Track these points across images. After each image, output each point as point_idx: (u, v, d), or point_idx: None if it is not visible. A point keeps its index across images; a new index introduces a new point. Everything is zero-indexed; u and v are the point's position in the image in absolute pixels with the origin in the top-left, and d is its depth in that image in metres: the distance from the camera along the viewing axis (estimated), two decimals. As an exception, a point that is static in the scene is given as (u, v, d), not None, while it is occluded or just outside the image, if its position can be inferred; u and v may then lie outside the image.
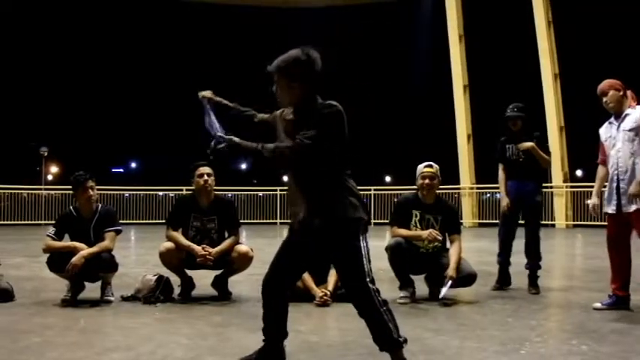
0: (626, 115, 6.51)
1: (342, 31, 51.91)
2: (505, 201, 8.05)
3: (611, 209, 6.61)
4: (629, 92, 6.62)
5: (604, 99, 6.59)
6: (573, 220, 22.02)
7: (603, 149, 6.82)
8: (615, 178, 6.53)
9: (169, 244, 7.18)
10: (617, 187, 6.51)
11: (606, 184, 6.78)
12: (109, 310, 6.67)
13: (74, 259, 6.65)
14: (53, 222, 7.41)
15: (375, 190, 25.60)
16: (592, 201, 7.02)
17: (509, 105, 8.15)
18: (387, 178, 65.60)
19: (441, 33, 26.48)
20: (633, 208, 6.37)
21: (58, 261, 6.79)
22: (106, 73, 60.10)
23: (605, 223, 6.82)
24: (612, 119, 6.69)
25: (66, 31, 54.34)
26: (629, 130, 6.44)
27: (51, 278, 7.49)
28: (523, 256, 7.97)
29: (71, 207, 7.25)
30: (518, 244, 8.02)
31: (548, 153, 8.13)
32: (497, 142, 8.38)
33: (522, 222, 8.12)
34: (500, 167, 8.30)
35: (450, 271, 6.93)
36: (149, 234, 18.49)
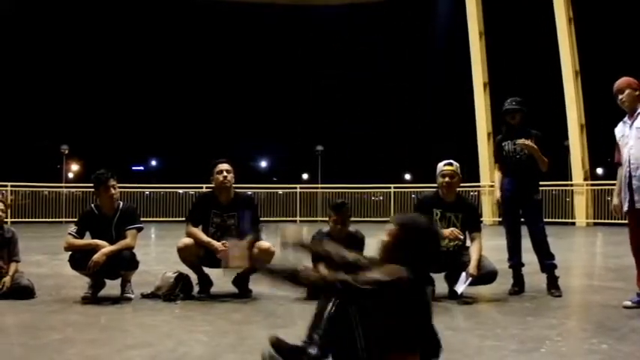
0: (639, 113, 6.51)
1: (360, 29, 51.93)
2: (497, 194, 7.95)
3: (626, 207, 6.60)
4: None
5: (620, 97, 6.57)
6: (594, 219, 21.88)
7: (619, 148, 6.79)
8: (627, 175, 6.51)
9: (188, 240, 7.21)
10: (630, 184, 6.49)
11: None
12: (129, 308, 6.70)
13: (95, 257, 6.69)
14: (74, 220, 7.45)
15: (394, 187, 25.57)
16: (613, 202, 7.00)
17: (507, 99, 8.00)
18: (407, 176, 65.54)
19: (461, 30, 26.39)
20: None
21: (79, 259, 6.83)
22: (128, 71, 60.37)
23: (625, 222, 6.80)
24: (626, 118, 6.68)
25: (87, 28, 54.65)
26: None
27: (71, 275, 7.54)
28: (534, 254, 7.87)
29: (92, 205, 7.29)
30: (526, 241, 7.93)
31: (548, 154, 7.91)
32: (494, 141, 8.30)
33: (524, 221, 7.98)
34: (496, 167, 8.18)
35: (471, 269, 6.92)
36: (169, 232, 18.56)
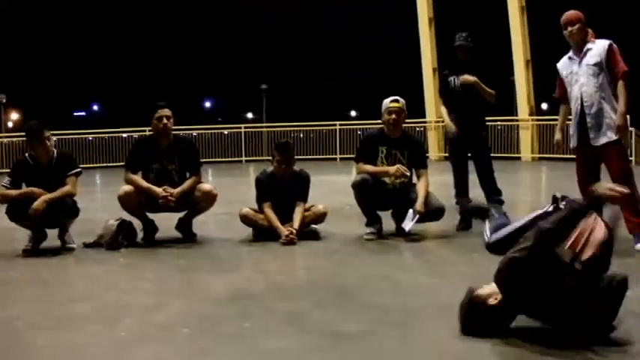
0: (588, 49, 6.37)
1: None
2: (451, 127, 7.82)
3: (574, 143, 6.56)
4: (589, 29, 6.51)
5: (570, 28, 6.41)
6: (539, 153, 22.09)
7: (562, 84, 6.71)
8: (579, 112, 6.42)
9: (128, 188, 7.03)
10: (582, 122, 6.41)
11: (571, 117, 6.71)
12: (72, 259, 6.54)
13: (35, 204, 6.46)
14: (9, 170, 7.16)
15: (340, 125, 25.45)
16: (556, 137, 7.01)
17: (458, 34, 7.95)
18: (353, 113, 65.60)
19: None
20: (604, 140, 6.31)
21: (18, 210, 6.57)
22: (65, 14, 58.98)
23: (570, 156, 6.80)
24: (572, 54, 6.54)
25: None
26: (593, 65, 6.32)
27: (11, 228, 7.16)
28: (481, 190, 7.88)
29: (26, 154, 6.98)
30: (473, 177, 7.91)
31: (493, 87, 7.88)
32: (440, 75, 8.25)
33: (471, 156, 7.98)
34: (441, 102, 8.16)
35: (418, 206, 6.89)
36: (114, 178, 18.21)
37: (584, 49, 6.38)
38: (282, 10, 59.21)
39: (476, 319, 3.74)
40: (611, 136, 6.26)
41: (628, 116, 6.37)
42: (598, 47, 6.34)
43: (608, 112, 6.26)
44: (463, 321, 3.79)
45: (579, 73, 6.40)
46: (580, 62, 6.40)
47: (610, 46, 6.31)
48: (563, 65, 6.65)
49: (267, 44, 64.50)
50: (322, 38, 63.43)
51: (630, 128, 6.57)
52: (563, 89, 6.71)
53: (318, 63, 66.32)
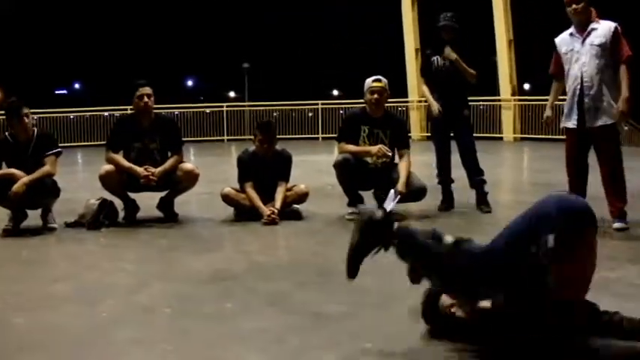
0: (593, 29, 6.27)
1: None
2: (435, 106, 7.73)
3: (571, 124, 6.46)
4: (592, 8, 6.41)
5: (574, 6, 6.23)
6: (521, 133, 22.11)
7: (558, 60, 6.60)
8: (578, 92, 6.33)
9: (109, 167, 7.01)
10: (580, 102, 6.33)
11: (563, 97, 6.65)
12: (53, 239, 6.51)
13: (15, 187, 6.42)
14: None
15: (322, 104, 25.35)
16: (546, 113, 6.95)
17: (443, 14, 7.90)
18: (335, 92, 65.41)
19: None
20: (599, 123, 6.26)
21: (-3, 190, 6.55)
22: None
23: (553, 137, 6.78)
24: (574, 31, 6.42)
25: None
26: (598, 45, 6.22)
27: None
28: (464, 170, 7.87)
29: (6, 133, 6.94)
30: (455, 157, 7.91)
31: (475, 67, 7.84)
32: (422, 55, 8.21)
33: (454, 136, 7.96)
34: (423, 82, 8.14)
35: (400, 186, 6.86)
36: (96, 157, 18.10)
37: (589, 29, 6.28)
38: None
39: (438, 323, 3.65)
40: (606, 120, 6.22)
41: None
42: (603, 28, 6.25)
43: (607, 96, 6.21)
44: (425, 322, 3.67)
45: (581, 52, 6.30)
46: (583, 41, 6.29)
47: (616, 28, 6.22)
48: (563, 41, 6.53)
49: (249, 22, 64.14)
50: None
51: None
52: (559, 66, 6.61)
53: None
